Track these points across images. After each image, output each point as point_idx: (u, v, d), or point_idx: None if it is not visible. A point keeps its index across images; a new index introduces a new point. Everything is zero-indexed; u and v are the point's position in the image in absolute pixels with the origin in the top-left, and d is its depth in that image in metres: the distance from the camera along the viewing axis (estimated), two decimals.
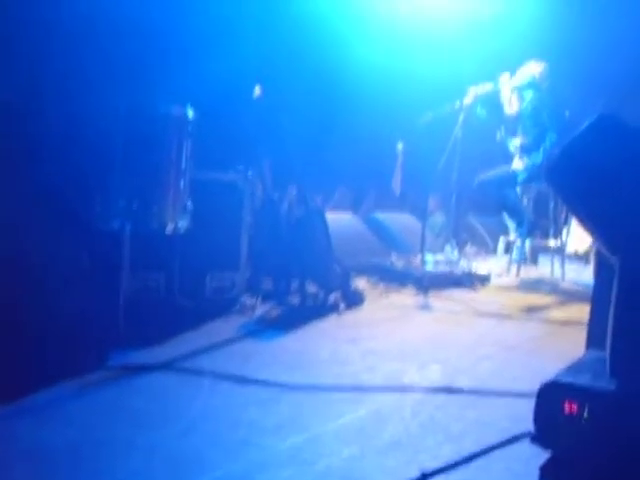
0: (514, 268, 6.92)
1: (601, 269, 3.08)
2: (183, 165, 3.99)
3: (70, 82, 3.84)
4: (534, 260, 7.58)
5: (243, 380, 3.18)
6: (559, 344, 4.18)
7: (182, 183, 4.00)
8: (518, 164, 7.02)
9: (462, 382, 3.30)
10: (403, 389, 3.15)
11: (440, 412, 2.88)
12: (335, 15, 7.50)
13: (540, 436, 2.48)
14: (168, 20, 4.91)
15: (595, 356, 2.87)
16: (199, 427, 2.59)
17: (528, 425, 2.39)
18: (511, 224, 7.38)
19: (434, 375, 3.40)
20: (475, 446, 2.53)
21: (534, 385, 2.69)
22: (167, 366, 3.37)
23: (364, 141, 8.69)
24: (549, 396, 2.47)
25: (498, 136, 7.26)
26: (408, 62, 8.26)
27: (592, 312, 3.18)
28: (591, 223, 2.59)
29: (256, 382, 3.15)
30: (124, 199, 3.79)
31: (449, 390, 3.17)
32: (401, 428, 2.68)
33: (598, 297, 2.98)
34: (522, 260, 7.06)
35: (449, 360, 3.71)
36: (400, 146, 9.35)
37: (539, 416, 2.49)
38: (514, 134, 7.09)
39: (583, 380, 2.49)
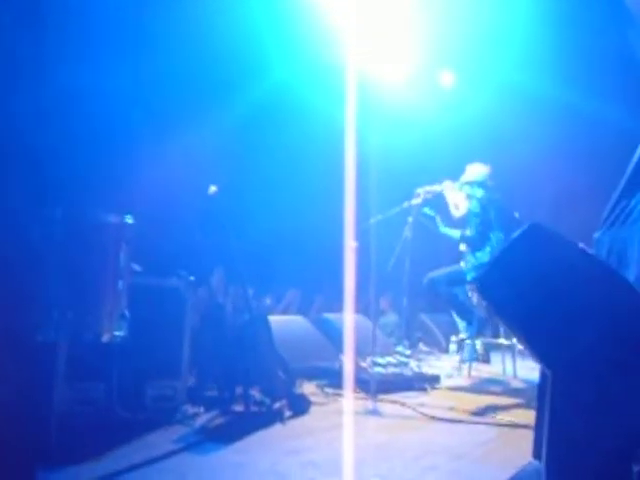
0: (465, 367, 6.87)
1: (545, 375, 3.04)
2: (120, 274, 3.92)
3: (4, 186, 3.78)
4: (486, 358, 7.54)
5: None
6: (507, 450, 4.10)
7: (119, 292, 3.93)
8: (466, 263, 7.06)
9: None
10: None
11: None
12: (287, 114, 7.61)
13: None
14: (116, 127, 4.93)
15: (535, 468, 2.81)
16: None
17: None
18: (461, 323, 7.37)
19: None
20: None
21: None
22: None
23: (315, 241, 8.72)
24: None
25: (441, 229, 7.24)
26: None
27: (537, 417, 3.12)
28: (523, 335, 2.57)
29: None
30: (58, 309, 3.69)
31: None
32: None
33: (542, 403, 2.93)
34: (473, 359, 7.03)
35: (393, 472, 3.61)
36: (354, 244, 9.35)
37: None
38: (463, 234, 7.14)
39: None
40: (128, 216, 4.00)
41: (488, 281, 2.64)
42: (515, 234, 2.66)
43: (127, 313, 3.98)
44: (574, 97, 8.06)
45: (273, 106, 7.29)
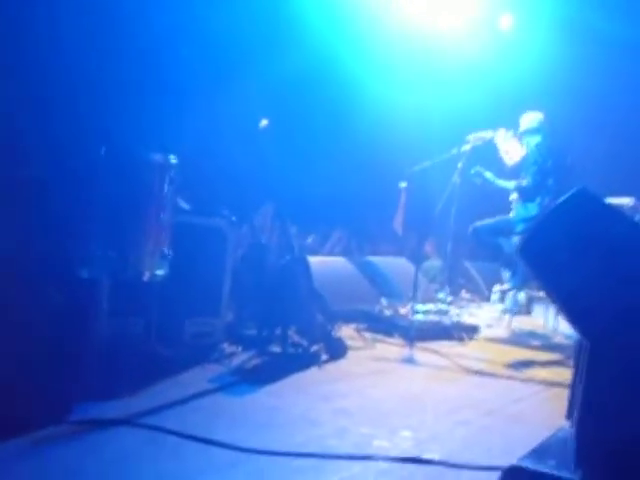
0: (506, 318, 6.83)
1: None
2: (163, 213, 3.93)
3: (49, 124, 3.78)
4: (528, 310, 7.50)
5: (206, 441, 3.08)
6: (542, 409, 4.09)
7: (161, 231, 3.93)
8: (516, 214, 6.96)
9: (433, 451, 3.19)
10: (370, 458, 3.04)
11: None
12: (342, 52, 7.51)
13: None
14: (164, 64, 4.89)
15: (567, 434, 2.78)
16: None
17: None
18: (505, 273, 7.31)
19: (405, 443, 3.29)
20: None
21: (508, 458, 2.60)
22: (131, 422, 3.28)
23: (364, 182, 8.66)
24: None
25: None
26: (412, 102, 8.26)
27: (574, 379, 3.09)
28: (561, 304, 2.51)
29: (219, 445, 3.05)
30: (101, 247, 3.72)
31: (417, 461, 3.06)
32: None
33: (579, 365, 2.89)
34: (515, 310, 6.98)
35: (424, 425, 3.61)
36: (404, 185, 9.28)
37: None
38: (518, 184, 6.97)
39: (547, 467, 2.40)
40: (172, 155, 3.97)
41: (529, 246, 2.58)
42: (561, 199, 2.58)
43: (169, 252, 3.99)
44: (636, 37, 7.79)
45: (325, 54, 7.17)
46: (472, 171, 6.81)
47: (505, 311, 6.99)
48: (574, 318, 2.50)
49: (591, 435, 2.41)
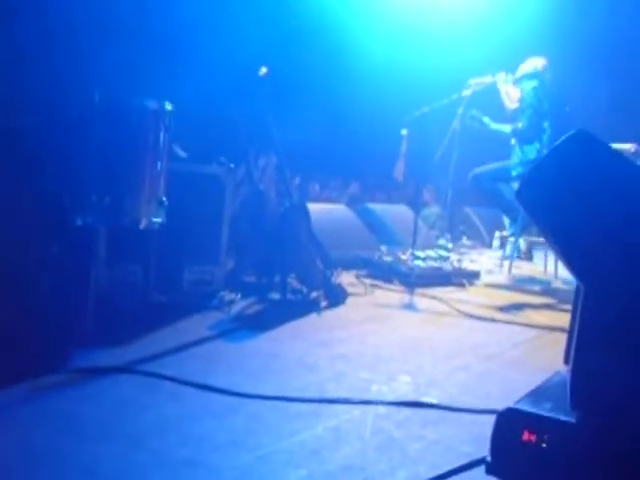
0: (507, 264, 6.83)
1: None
2: (159, 160, 3.88)
3: (43, 71, 3.72)
4: (529, 256, 7.50)
5: (204, 387, 3.09)
6: (541, 354, 4.10)
7: (157, 178, 3.89)
8: (513, 158, 6.92)
9: (432, 396, 3.20)
10: (367, 402, 3.05)
11: (401, 430, 2.78)
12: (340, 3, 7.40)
13: (496, 465, 2.40)
14: (158, 8, 4.80)
15: (564, 378, 2.77)
16: (146, 442, 2.50)
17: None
18: (506, 220, 7.29)
19: (404, 387, 3.30)
20: (430, 472, 2.44)
21: (507, 402, 2.60)
22: (130, 369, 3.28)
23: (365, 130, 8.60)
24: (507, 424, 2.39)
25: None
26: (412, 52, 8.16)
27: (572, 323, 3.08)
28: (558, 246, 2.49)
29: (217, 390, 3.06)
30: (96, 194, 3.69)
31: (415, 405, 3.07)
32: (357, 449, 2.59)
33: (576, 309, 2.88)
34: (515, 256, 6.98)
35: (422, 370, 3.62)
36: (404, 132, 9.20)
37: (496, 444, 2.40)
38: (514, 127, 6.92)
39: (543, 409, 2.39)
40: (167, 102, 3.92)
41: (527, 189, 2.54)
42: (559, 140, 2.54)
43: (166, 200, 3.95)
44: None
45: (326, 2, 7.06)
46: (469, 114, 6.76)
47: (505, 257, 6.98)
48: (570, 261, 2.48)
49: (585, 377, 2.40)
